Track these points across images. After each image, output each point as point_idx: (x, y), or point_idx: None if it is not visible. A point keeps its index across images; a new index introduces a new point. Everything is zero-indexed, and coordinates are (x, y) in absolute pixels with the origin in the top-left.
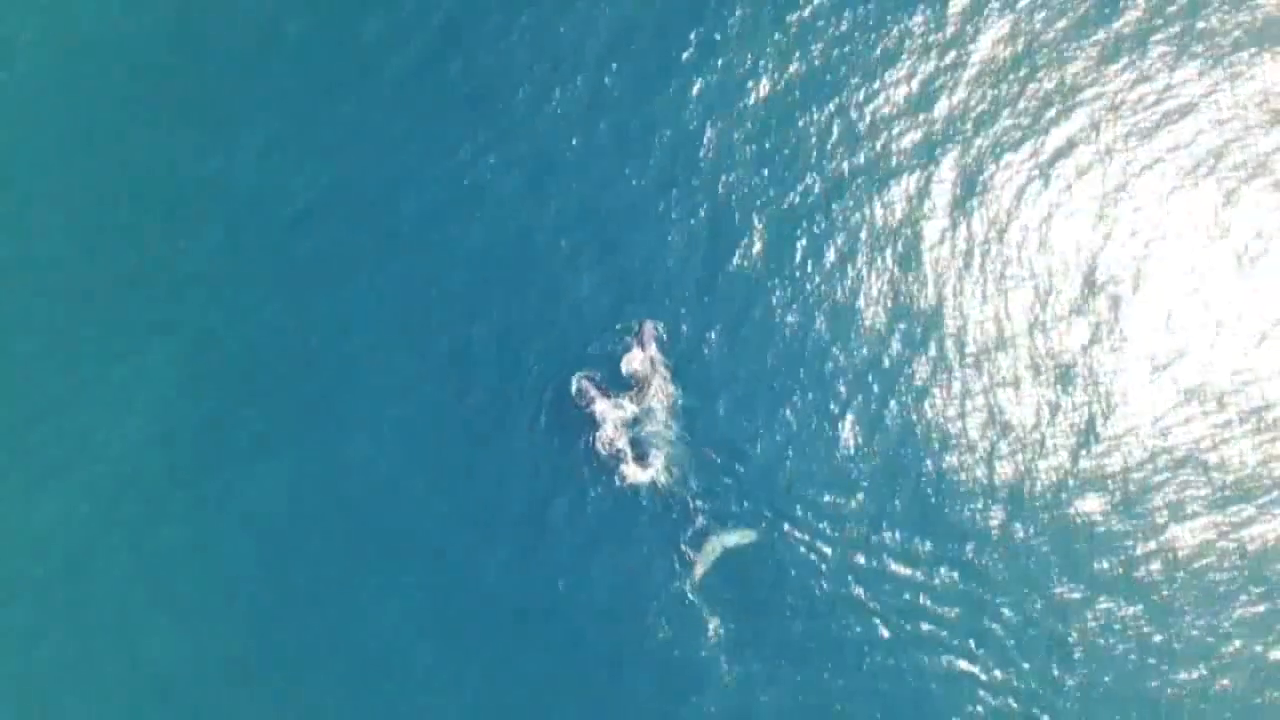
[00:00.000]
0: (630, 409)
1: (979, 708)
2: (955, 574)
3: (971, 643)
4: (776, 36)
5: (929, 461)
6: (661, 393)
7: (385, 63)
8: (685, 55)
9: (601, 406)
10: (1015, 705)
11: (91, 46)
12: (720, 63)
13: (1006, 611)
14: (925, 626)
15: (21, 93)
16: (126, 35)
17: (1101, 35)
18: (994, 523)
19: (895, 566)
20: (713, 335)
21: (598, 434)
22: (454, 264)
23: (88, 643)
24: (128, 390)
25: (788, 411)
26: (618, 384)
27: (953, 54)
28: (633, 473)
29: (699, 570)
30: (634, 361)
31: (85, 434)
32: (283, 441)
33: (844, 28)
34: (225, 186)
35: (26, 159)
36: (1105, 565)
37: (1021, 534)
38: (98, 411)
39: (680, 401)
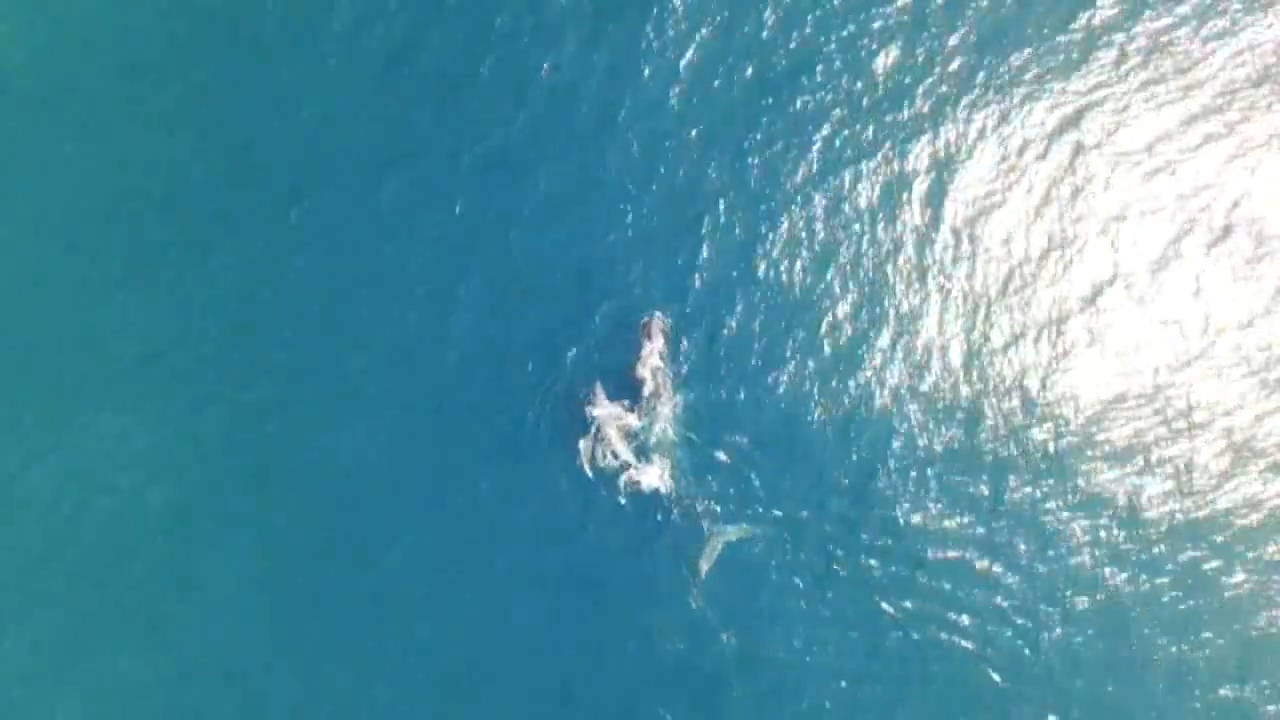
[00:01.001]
0: (633, 419)
1: (992, 694)
2: (964, 563)
3: (987, 628)
4: (763, 28)
5: (935, 454)
6: (666, 390)
7: (369, 52)
8: (678, 47)
9: (603, 412)
10: (1032, 690)
11: (74, 41)
12: (714, 55)
13: (1021, 599)
14: (935, 614)
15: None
16: (107, 29)
17: (1094, 25)
18: (1000, 514)
19: (903, 560)
20: (716, 333)
21: (599, 440)
22: (451, 263)
23: (82, 637)
24: (118, 389)
25: (793, 407)
26: (622, 386)
27: (945, 46)
28: (634, 477)
29: (703, 566)
30: (642, 359)
31: (76, 429)
32: (277, 442)
33: (835, 13)
34: (211, 182)
35: (19, 156)
36: (1119, 549)
37: (1032, 517)
38: (90, 410)
39: (684, 399)
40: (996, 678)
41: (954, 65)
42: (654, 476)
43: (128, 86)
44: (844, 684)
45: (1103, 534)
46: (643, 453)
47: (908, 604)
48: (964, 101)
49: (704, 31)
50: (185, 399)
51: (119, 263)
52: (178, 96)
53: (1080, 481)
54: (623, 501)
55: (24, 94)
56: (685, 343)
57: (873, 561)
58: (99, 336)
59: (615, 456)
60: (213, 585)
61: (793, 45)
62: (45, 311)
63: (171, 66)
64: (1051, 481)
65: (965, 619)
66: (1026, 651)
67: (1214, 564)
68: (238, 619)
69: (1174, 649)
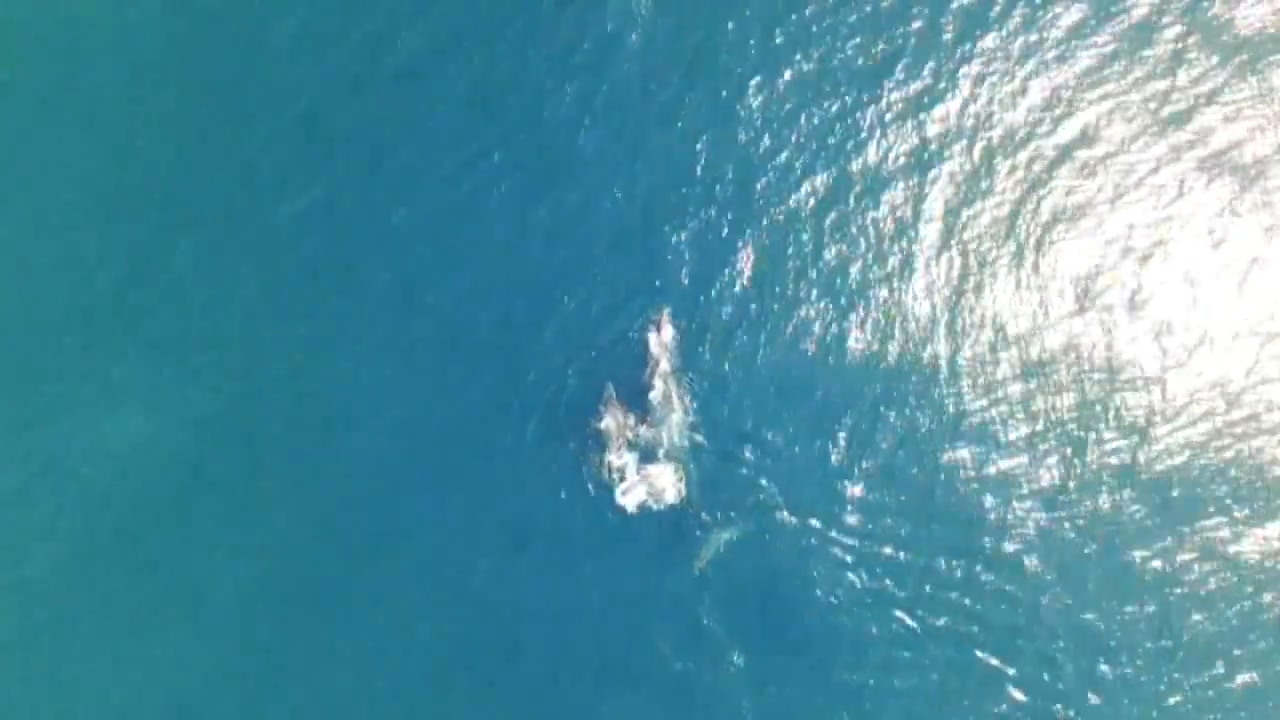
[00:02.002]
0: (643, 428)
1: (1003, 704)
2: (976, 568)
3: (994, 637)
4: (777, 38)
5: (943, 457)
6: (675, 393)
7: (366, 56)
8: (689, 54)
9: (613, 422)
10: (1041, 702)
11: (74, 42)
12: (722, 64)
13: (1030, 604)
14: (945, 621)
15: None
16: (115, 35)
17: (1102, 38)
18: (1013, 516)
19: (915, 561)
20: (722, 337)
21: (608, 446)
22: (454, 267)
23: (80, 642)
24: (118, 396)
25: (801, 405)
26: (632, 390)
27: (954, 56)
28: (641, 484)
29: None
30: (652, 359)
31: (77, 438)
32: (276, 447)
33: (823, 13)
34: (218, 190)
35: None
36: (1125, 559)
37: (1040, 526)
38: (89, 415)
39: (692, 401)
40: (1022, 696)
41: (944, 59)
42: (664, 483)
43: (125, 86)
44: (853, 703)
45: (1122, 515)
46: (651, 458)
47: (926, 620)
48: (954, 97)
49: (698, 32)
50: (180, 398)
51: (119, 262)
52: (175, 96)
53: (1093, 466)
54: (631, 508)
55: (24, 93)
56: (692, 345)
57: (895, 576)
58: (95, 346)
59: (624, 462)
60: (208, 584)
61: (780, 41)
62: (42, 308)
63: (170, 67)
64: (1061, 471)
65: (991, 638)
66: (1046, 677)
67: (1240, 589)
68: (234, 619)
69: (1213, 676)
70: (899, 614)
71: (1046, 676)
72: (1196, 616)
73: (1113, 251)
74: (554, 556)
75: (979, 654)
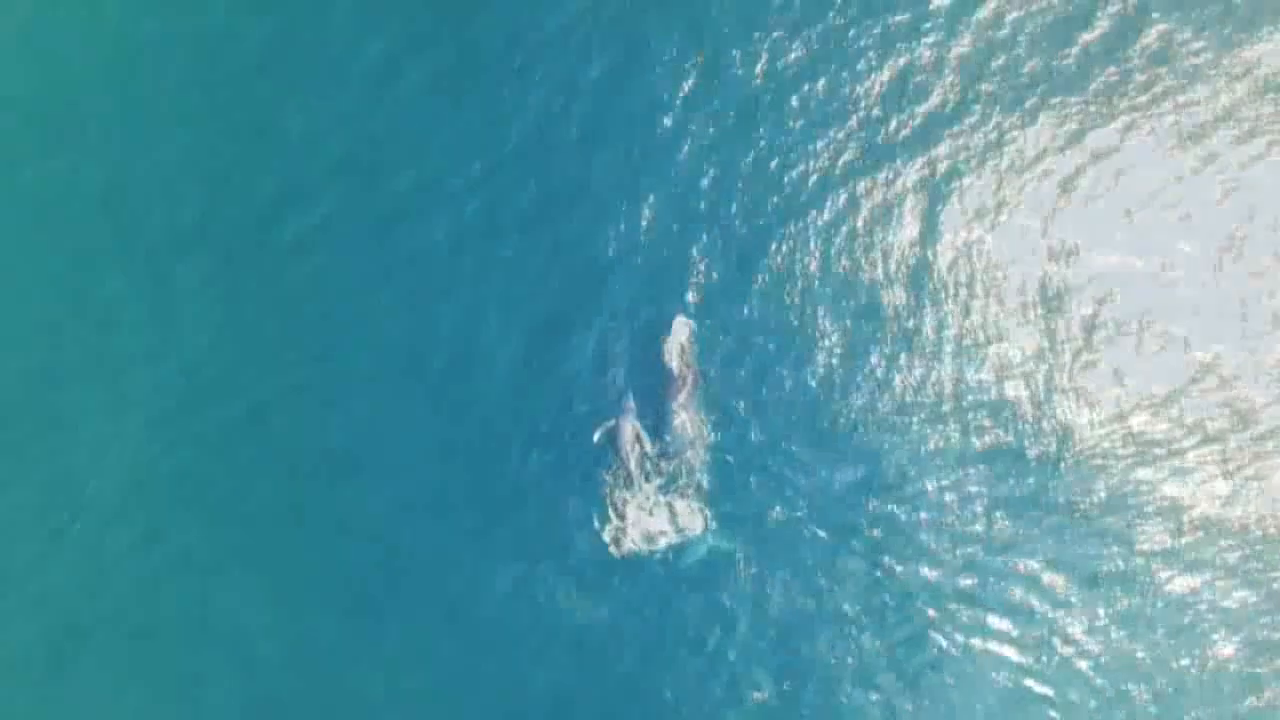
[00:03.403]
0: (661, 464)
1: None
2: (986, 556)
3: (1008, 624)
4: (760, 48)
5: (965, 468)
6: (695, 404)
7: (363, 69)
8: (696, 73)
9: (628, 447)
10: (1074, 695)
11: (71, 59)
12: (710, 72)
13: (1060, 606)
14: (965, 621)
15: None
16: (98, 46)
17: (1094, 40)
18: (1038, 521)
19: (933, 556)
20: (740, 347)
21: (623, 474)
22: (461, 283)
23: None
24: (115, 411)
25: (823, 414)
26: (646, 401)
27: (945, 63)
28: (653, 517)
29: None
30: (670, 355)
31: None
32: (279, 464)
33: (833, 30)
34: (221, 210)
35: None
36: (1149, 550)
37: (1062, 522)
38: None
39: (710, 410)
40: (1043, 689)
41: (955, 81)
42: (687, 519)
43: (123, 100)
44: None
45: (1134, 535)
46: (671, 486)
47: (946, 611)
48: (965, 117)
49: (704, 48)
50: (178, 421)
51: (117, 284)
52: (177, 110)
53: (1099, 484)
54: (648, 544)
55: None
56: (705, 352)
57: (908, 575)
58: (92, 363)
59: (643, 492)
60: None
61: (790, 60)
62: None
63: (167, 79)
64: (1067, 485)
65: (1000, 622)
66: (1067, 656)
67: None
68: (240, 642)
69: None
70: (917, 617)
71: (1075, 682)
72: (1231, 598)
73: (1127, 276)
74: (569, 605)
75: (1022, 677)
